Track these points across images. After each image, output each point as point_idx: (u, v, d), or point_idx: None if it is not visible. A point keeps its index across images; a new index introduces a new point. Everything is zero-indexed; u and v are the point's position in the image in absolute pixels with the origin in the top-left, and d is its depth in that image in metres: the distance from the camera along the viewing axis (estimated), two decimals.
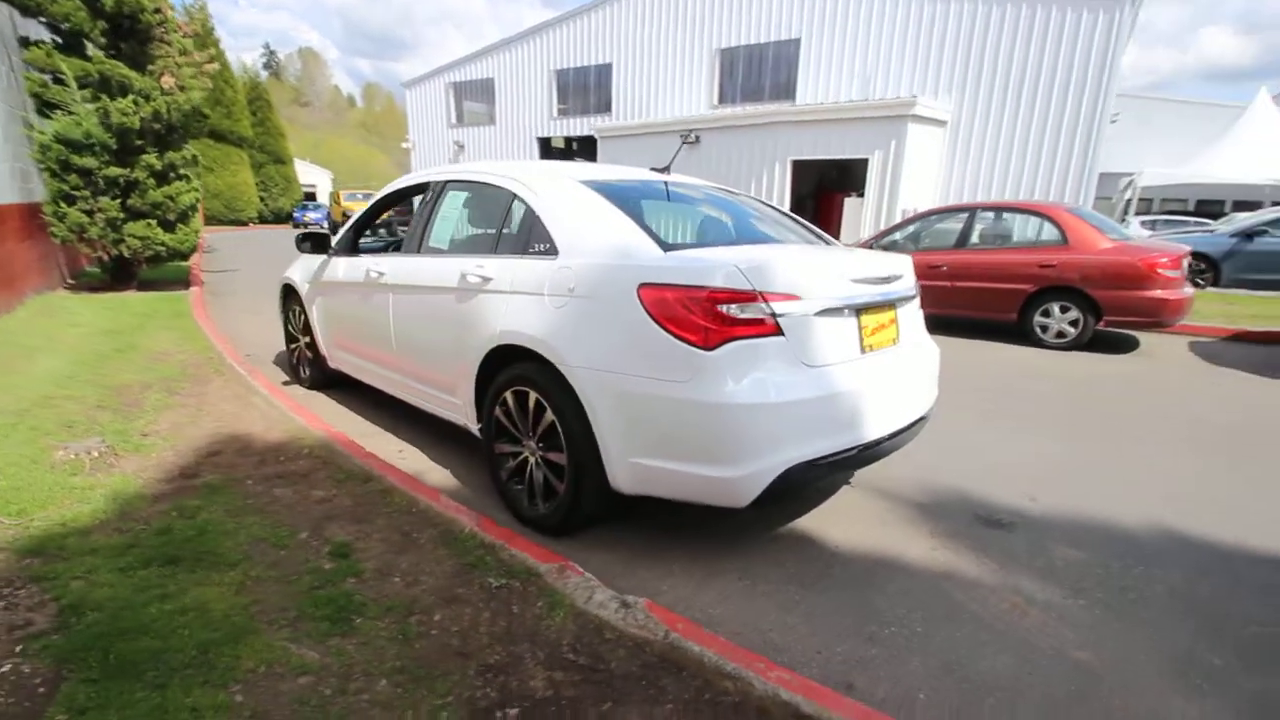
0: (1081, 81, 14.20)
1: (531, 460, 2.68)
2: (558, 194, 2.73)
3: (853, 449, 2.35)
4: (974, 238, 7.22)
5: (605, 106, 21.48)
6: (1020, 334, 6.71)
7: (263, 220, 32.20)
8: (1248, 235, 10.08)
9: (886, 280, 2.61)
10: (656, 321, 2.17)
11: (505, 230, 2.90)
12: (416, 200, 3.76)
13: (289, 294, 4.77)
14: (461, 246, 3.35)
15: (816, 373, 2.26)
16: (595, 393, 2.31)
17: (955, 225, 7.45)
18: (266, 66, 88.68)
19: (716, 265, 2.17)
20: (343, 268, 3.99)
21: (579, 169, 3.06)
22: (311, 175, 44.80)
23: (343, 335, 4.10)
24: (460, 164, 3.59)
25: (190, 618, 1.94)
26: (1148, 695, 1.83)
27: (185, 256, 8.67)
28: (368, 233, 4.35)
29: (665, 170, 3.30)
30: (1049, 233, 6.67)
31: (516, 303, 2.63)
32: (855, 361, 2.41)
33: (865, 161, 13.72)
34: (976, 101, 15.36)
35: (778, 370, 2.17)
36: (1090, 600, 2.31)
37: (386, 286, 3.48)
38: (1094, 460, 3.62)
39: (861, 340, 2.46)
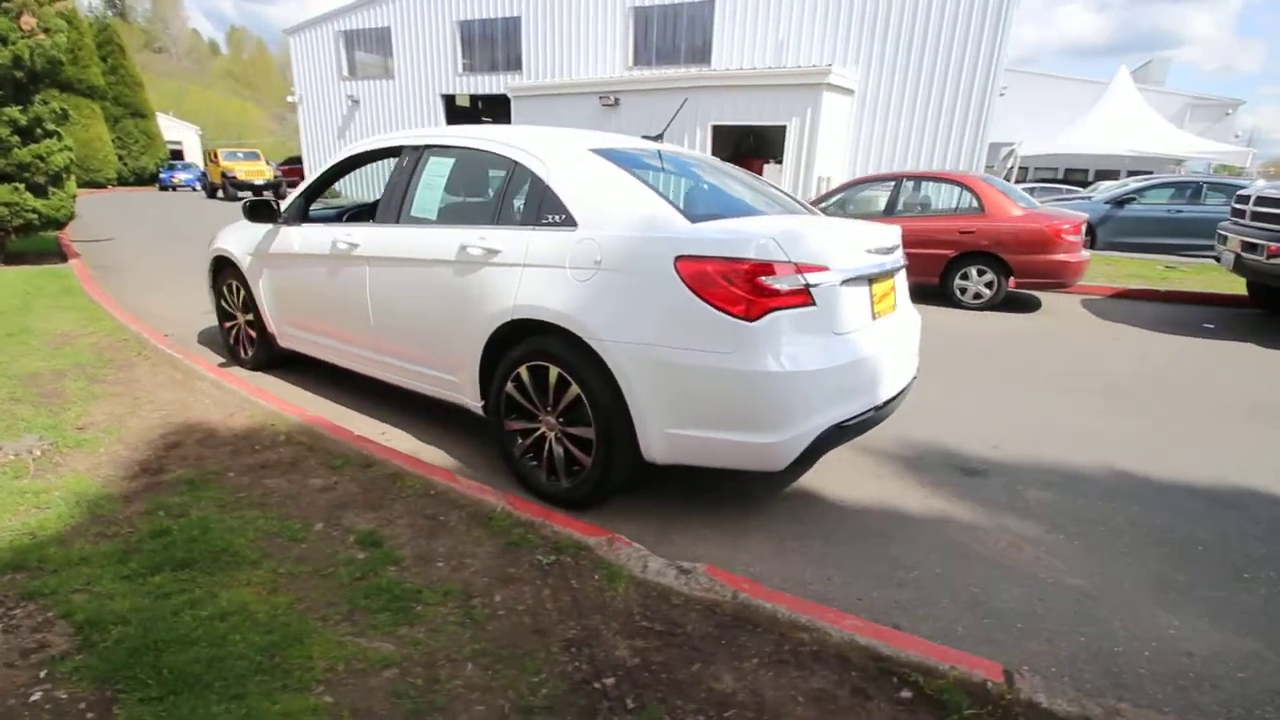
0: (975, 55, 15.14)
1: (550, 436, 2.66)
2: (570, 163, 2.66)
3: (869, 411, 2.51)
4: (900, 205, 7.65)
5: (515, 64, 20.60)
6: (942, 296, 7.25)
7: (123, 182, 28.67)
8: (1119, 202, 11.28)
9: (890, 250, 2.76)
10: (697, 294, 2.20)
11: (510, 201, 2.79)
12: (371, 165, 3.53)
13: (222, 267, 4.36)
14: (452, 217, 3.19)
15: (842, 340, 2.38)
16: (630, 366, 2.31)
17: (882, 193, 7.86)
18: (110, 5, 77.72)
19: (753, 237, 2.21)
20: (298, 239, 3.69)
21: (583, 136, 2.98)
22: (176, 131, 40.15)
23: (300, 312, 3.81)
24: (440, 128, 3.37)
25: (235, 622, 1.82)
26: (1140, 613, 2.13)
27: (61, 225, 7.66)
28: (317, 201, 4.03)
29: (658, 139, 3.28)
30: (967, 201, 7.18)
31: (532, 276, 2.56)
32: (869, 328, 2.55)
33: (783, 128, 14.06)
34: (881, 72, 16.04)
35: (812, 339, 2.26)
36: (1069, 534, 2.61)
37: (361, 259, 3.26)
38: (1036, 410, 4.03)
39: (872, 308, 2.60)
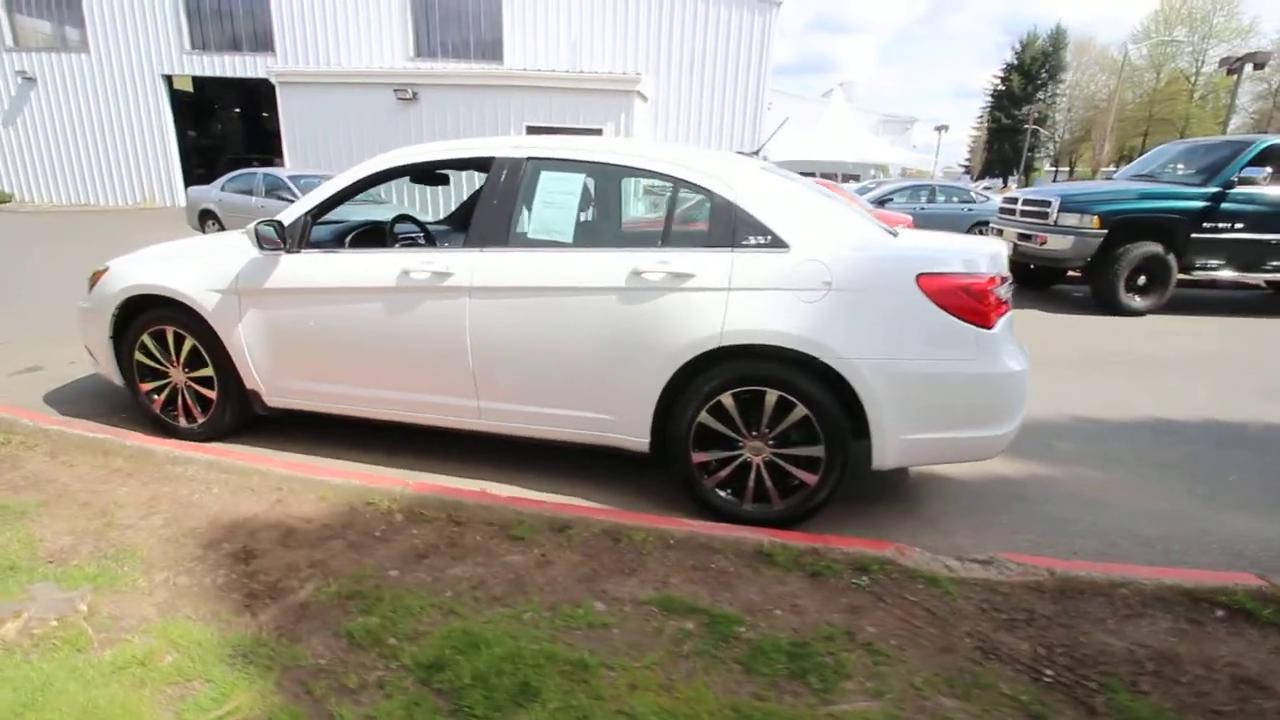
0: (747, 68, 17.15)
1: (757, 461, 2.61)
2: (759, 183, 2.61)
3: None
4: None
5: (265, 43, 17.74)
6: None
7: None
8: (880, 202, 13.82)
9: None
10: (942, 307, 2.38)
11: (682, 221, 2.64)
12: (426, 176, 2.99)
13: (138, 311, 3.26)
14: (597, 239, 2.86)
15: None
16: (874, 380, 2.40)
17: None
18: None
19: (980, 254, 2.47)
20: (324, 269, 2.95)
21: (726, 154, 2.91)
22: None
23: (322, 361, 3.04)
24: (542, 139, 2.95)
25: None
26: (1196, 516, 2.87)
27: None
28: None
29: (756, 154, 3.31)
30: None
31: (743, 300, 2.47)
32: None
33: (599, 132, 14.39)
34: (669, 81, 17.30)
35: (1015, 339, 2.60)
36: (1112, 472, 3.35)
37: (456, 290, 2.75)
38: None
39: None
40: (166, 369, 3.32)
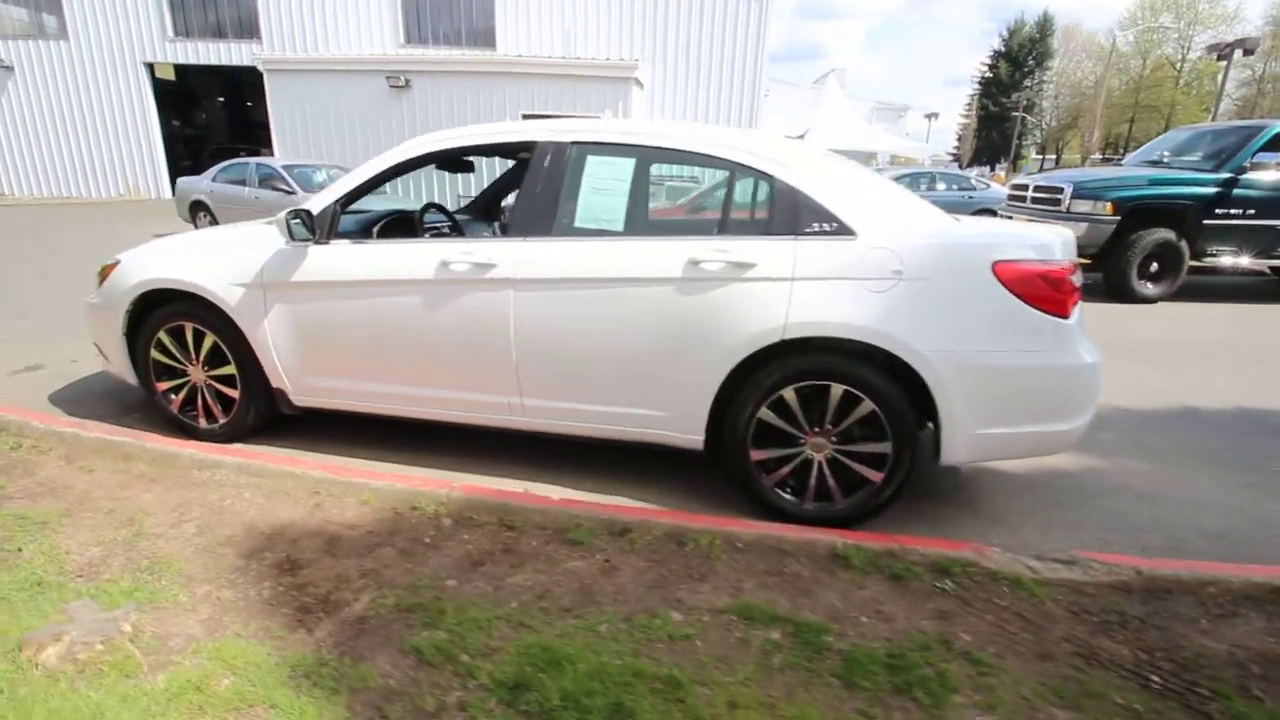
0: (743, 55, 16.93)
1: (818, 458, 2.50)
2: (822, 168, 2.49)
3: None
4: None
5: (251, 30, 17.30)
6: None
7: None
8: None
9: None
10: (1020, 297, 2.28)
11: (739, 208, 2.52)
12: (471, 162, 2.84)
13: (153, 306, 3.10)
14: (647, 227, 2.72)
15: None
16: (947, 373, 2.30)
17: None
18: None
19: (1053, 241, 2.37)
20: (357, 261, 2.81)
21: (787, 139, 2.78)
22: None
23: (354, 356, 2.90)
24: (583, 121, 2.82)
25: None
26: (1253, 508, 2.82)
27: None
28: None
29: (801, 138, 3.19)
30: None
31: (808, 290, 2.36)
32: None
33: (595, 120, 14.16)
34: (665, 69, 17.07)
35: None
36: (1154, 463, 3.28)
37: (500, 282, 2.62)
38: None
39: None
40: (185, 367, 3.16)
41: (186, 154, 19.71)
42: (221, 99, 23.06)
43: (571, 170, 2.65)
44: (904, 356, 2.31)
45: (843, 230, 2.38)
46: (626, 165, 2.64)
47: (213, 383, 3.15)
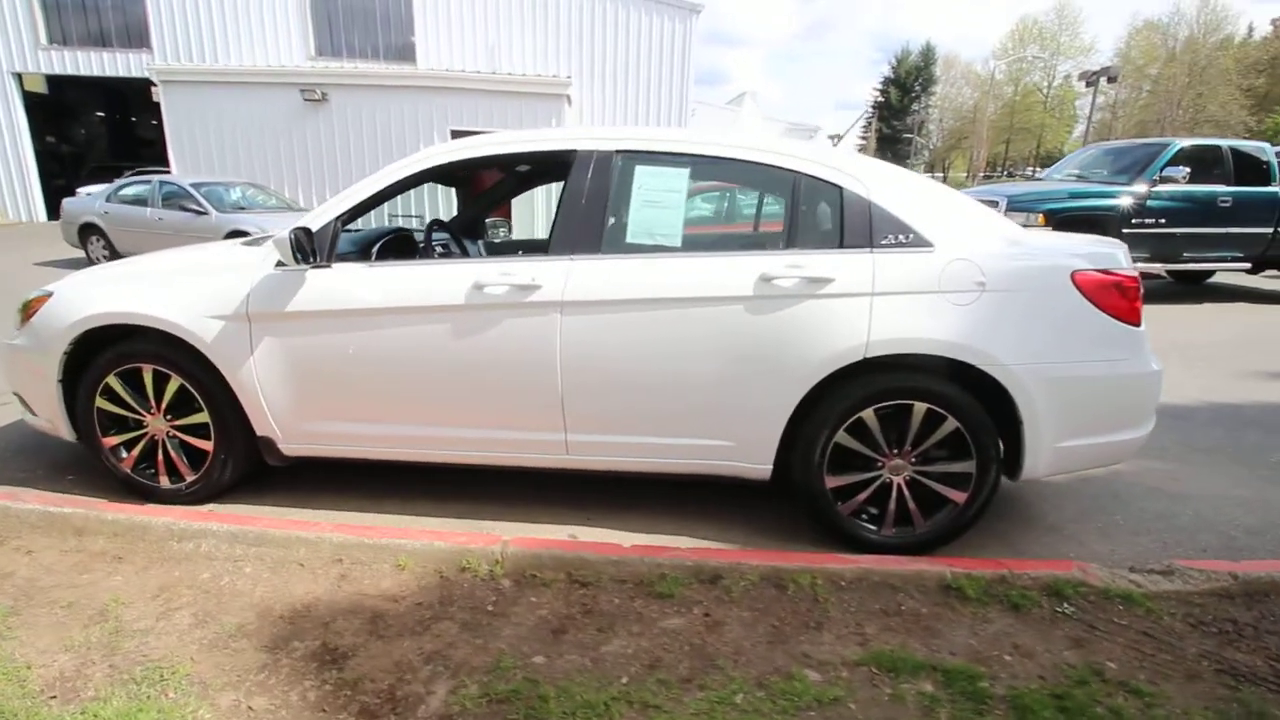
0: (670, 74, 17.11)
1: (897, 481, 2.37)
2: (892, 177, 2.39)
3: None
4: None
5: (139, 40, 15.81)
6: None
7: None
8: None
9: None
10: (1099, 306, 2.25)
11: (808, 221, 2.37)
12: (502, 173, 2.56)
13: (107, 346, 2.60)
14: (706, 242, 2.52)
15: None
16: (1034, 387, 2.23)
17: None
18: None
19: (1116, 251, 2.37)
20: (365, 287, 2.44)
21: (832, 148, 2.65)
22: None
23: (366, 394, 2.52)
24: (628, 129, 2.58)
25: None
26: (1270, 494, 2.95)
27: None
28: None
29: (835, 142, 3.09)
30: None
31: (888, 305, 2.24)
32: None
33: None
34: (594, 87, 17.01)
35: None
36: (1170, 462, 3.39)
37: (546, 305, 2.34)
38: None
39: None
40: (141, 417, 2.65)
41: (61, 173, 17.68)
42: (101, 113, 20.96)
43: (619, 181, 2.42)
44: (990, 371, 2.22)
45: (919, 242, 2.28)
46: (680, 176, 2.43)
47: (178, 434, 2.66)
